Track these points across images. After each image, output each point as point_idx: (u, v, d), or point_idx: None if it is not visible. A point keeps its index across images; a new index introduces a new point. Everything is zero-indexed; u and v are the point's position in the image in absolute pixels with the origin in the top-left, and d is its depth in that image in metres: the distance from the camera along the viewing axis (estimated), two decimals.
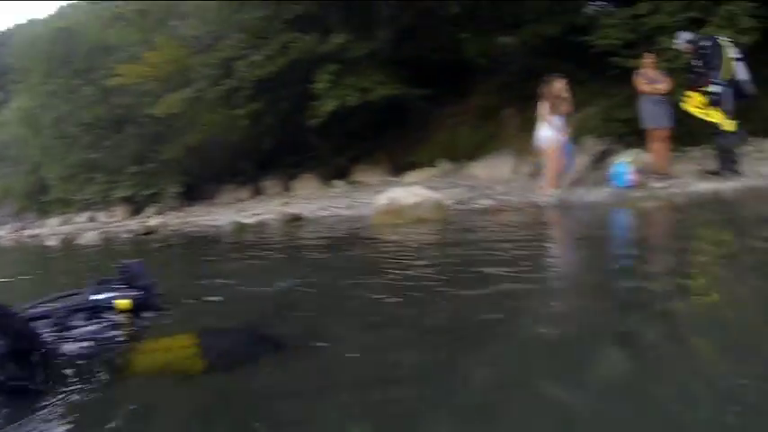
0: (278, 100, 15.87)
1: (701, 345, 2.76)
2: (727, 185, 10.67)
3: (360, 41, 15.56)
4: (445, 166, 15.70)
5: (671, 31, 12.56)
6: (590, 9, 17.31)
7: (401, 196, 10.30)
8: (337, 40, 14.81)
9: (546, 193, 11.55)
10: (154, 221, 15.78)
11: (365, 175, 16.22)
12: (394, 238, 8.74)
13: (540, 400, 2.20)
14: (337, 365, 2.82)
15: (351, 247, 8.51)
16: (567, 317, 3.48)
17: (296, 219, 12.54)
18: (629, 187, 11.41)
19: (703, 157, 12.48)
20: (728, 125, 10.95)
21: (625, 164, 11.73)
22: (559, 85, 11.74)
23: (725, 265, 5.10)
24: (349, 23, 16.64)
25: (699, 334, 2.93)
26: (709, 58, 11.15)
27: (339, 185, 15.86)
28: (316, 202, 13.79)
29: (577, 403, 2.13)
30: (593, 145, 14.51)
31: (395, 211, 10.19)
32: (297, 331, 3.49)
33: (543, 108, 11.65)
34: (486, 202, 11.50)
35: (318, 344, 3.09)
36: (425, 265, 5.83)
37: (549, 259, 5.92)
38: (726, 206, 9.24)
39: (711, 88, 10.97)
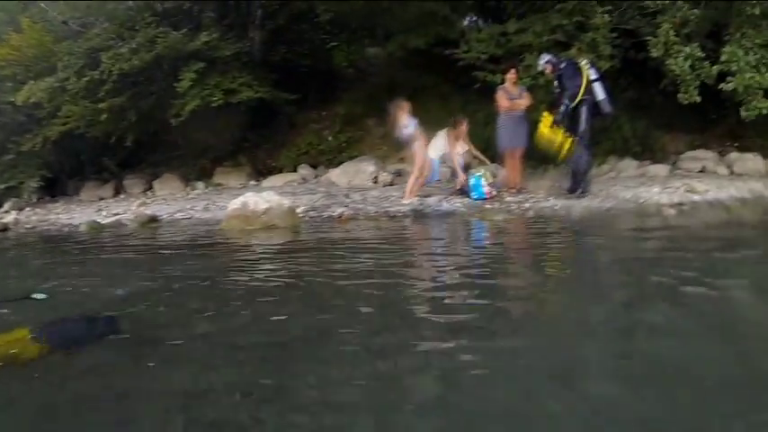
0: (142, 96, 15.60)
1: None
2: (578, 204, 11.30)
3: (229, 41, 15.49)
4: (306, 171, 15.87)
5: (536, 50, 13.29)
6: (463, 24, 17.74)
7: (252, 201, 10.44)
8: (205, 38, 14.63)
9: (403, 201, 11.93)
10: (9, 217, 15.28)
11: (227, 177, 16.21)
12: (234, 244, 9.03)
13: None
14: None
15: (192, 252, 8.65)
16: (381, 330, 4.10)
17: (152, 220, 12.50)
18: (485, 199, 11.98)
19: (562, 174, 13.06)
20: (565, 147, 11.53)
21: (479, 177, 12.23)
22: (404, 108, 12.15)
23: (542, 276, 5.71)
24: (222, 22, 16.62)
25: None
26: (564, 80, 11.67)
27: (200, 187, 15.78)
28: (174, 204, 13.78)
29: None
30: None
31: (245, 216, 10.35)
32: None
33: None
34: (340, 210, 11.70)
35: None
36: (250, 276, 6.13)
37: (357, 269, 6.36)
38: (567, 224, 9.97)
39: (561, 109, 11.49)
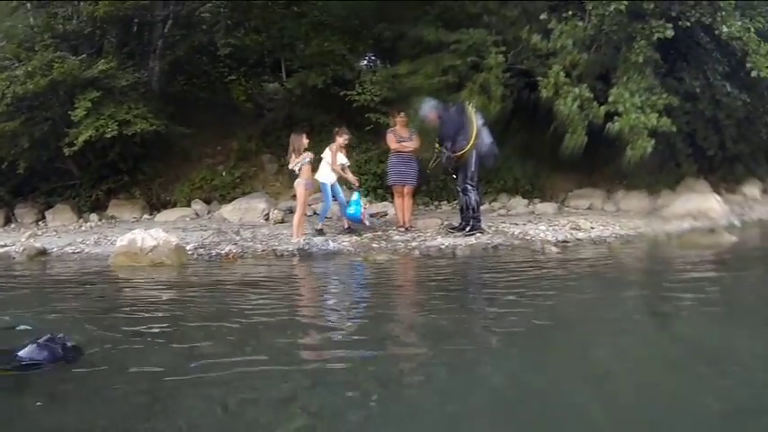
0: (37, 122, 14.92)
1: None
2: (464, 241, 11.40)
3: (128, 70, 15.08)
4: (199, 206, 15.59)
5: (426, 92, 13.24)
6: (361, 64, 17.84)
7: (139, 239, 10.18)
8: (102, 66, 14.15)
9: (291, 240, 11.77)
10: None
11: (121, 210, 15.72)
12: (114, 281, 8.78)
13: None
14: None
15: (69, 288, 8.32)
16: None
17: (41, 254, 11.99)
18: (360, 222, 12.24)
19: (451, 211, 13.15)
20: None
21: (359, 199, 12.43)
22: (304, 139, 12.00)
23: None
24: (123, 49, 16.21)
25: None
26: (447, 126, 11.93)
27: (93, 219, 15.25)
28: (66, 237, 13.25)
29: None
30: (345, 196, 14.88)
31: (133, 253, 10.11)
32: None
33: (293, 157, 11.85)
34: (228, 248, 11.49)
35: None
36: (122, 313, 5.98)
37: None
38: (450, 265, 10.02)
39: (443, 158, 11.71)
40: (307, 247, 11.44)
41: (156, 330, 5.66)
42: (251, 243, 11.96)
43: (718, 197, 14.30)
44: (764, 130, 15.55)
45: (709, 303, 6.40)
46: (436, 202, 15.68)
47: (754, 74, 12.51)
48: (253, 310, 6.50)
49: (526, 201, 15.38)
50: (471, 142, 11.51)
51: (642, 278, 8.35)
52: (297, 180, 12.00)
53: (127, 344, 5.23)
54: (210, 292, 7.85)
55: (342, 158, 12.40)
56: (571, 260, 9.68)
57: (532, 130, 15.19)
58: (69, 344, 4.69)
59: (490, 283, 8.01)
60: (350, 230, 12.27)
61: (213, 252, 11.47)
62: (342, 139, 12.39)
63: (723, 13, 12.68)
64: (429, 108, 12.23)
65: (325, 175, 12.19)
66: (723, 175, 16.55)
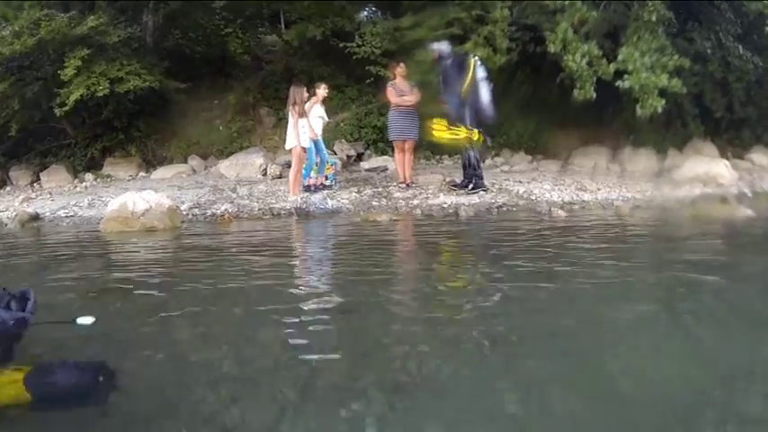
0: (27, 82, 14.36)
1: None
2: (468, 200, 10.92)
3: (119, 26, 14.42)
4: (196, 162, 15.11)
5: (429, 42, 12.68)
6: (362, 16, 17.26)
7: (131, 202, 9.63)
8: (92, 22, 13.45)
9: (288, 198, 11.25)
10: None
11: (116, 168, 15.20)
12: (102, 251, 8.25)
13: None
14: None
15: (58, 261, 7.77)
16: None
17: (33, 219, 11.45)
18: (310, 186, 11.89)
19: (453, 166, 12.66)
20: (475, 136, 11.16)
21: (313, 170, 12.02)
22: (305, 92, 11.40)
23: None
24: (116, 4, 15.53)
25: None
26: (446, 75, 11.35)
27: (89, 179, 14.73)
28: (60, 199, 12.73)
29: None
30: (345, 148, 14.46)
31: (124, 218, 9.56)
32: None
33: (293, 113, 11.25)
34: (225, 208, 10.98)
35: None
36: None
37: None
38: (455, 225, 9.59)
39: (449, 108, 11.16)
40: (304, 205, 10.92)
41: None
42: (247, 201, 11.48)
43: (727, 162, 13.78)
44: None
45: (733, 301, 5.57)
46: (437, 156, 15.18)
47: None
48: (251, 279, 6.07)
49: (530, 157, 14.90)
50: (464, 93, 11.02)
51: (660, 255, 7.48)
52: (289, 138, 11.50)
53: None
54: (205, 259, 7.31)
55: (319, 110, 11.91)
56: (580, 226, 8.98)
57: (537, 83, 14.71)
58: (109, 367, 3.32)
59: (497, 254, 7.40)
60: (308, 189, 11.88)
61: (208, 212, 10.93)
62: (321, 91, 11.92)
63: None
64: (435, 46, 11.76)
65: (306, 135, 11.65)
66: (730, 138, 16.13)
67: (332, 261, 7.56)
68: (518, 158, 14.80)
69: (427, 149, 14.51)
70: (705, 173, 13.05)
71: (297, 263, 7.34)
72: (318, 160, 12.02)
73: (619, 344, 4.15)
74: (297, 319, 4.69)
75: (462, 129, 11.25)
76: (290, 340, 4.31)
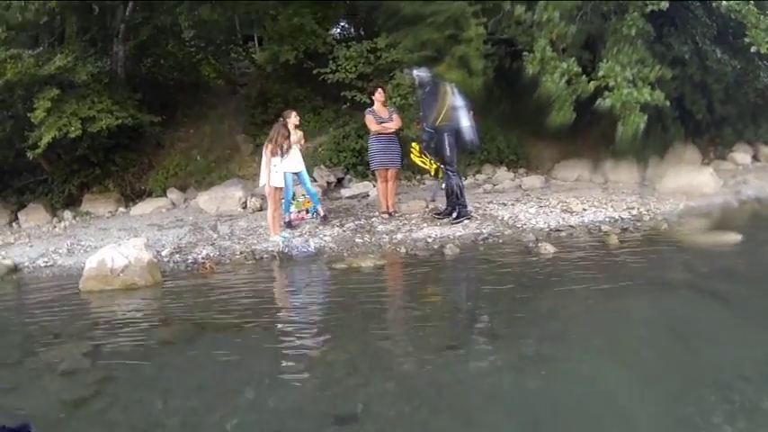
0: None
1: None
2: (452, 232, 10.60)
3: (89, 60, 13.86)
4: (175, 195, 14.70)
5: (406, 66, 12.81)
6: (333, 34, 16.94)
7: (109, 258, 9.17)
8: (60, 61, 12.92)
9: (270, 238, 10.89)
10: None
11: (95, 204, 14.71)
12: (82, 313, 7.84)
13: None
14: None
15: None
16: None
17: (12, 271, 10.91)
18: (291, 222, 11.57)
19: (435, 188, 12.34)
20: (433, 171, 11.18)
21: (291, 205, 11.72)
22: (284, 131, 10.94)
23: None
24: (84, 36, 15.01)
25: None
26: (424, 103, 11.15)
27: (68, 218, 14.25)
28: (38, 244, 12.20)
29: None
30: (325, 174, 14.10)
31: (103, 276, 9.11)
32: None
33: (266, 151, 10.81)
34: (206, 253, 10.58)
35: None
36: None
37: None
38: (440, 269, 9.22)
39: (423, 136, 10.94)
40: (286, 249, 10.49)
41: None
42: (229, 243, 11.07)
43: (711, 170, 13.46)
44: (752, 92, 14.93)
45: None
46: (418, 176, 14.82)
47: (753, 49, 11.68)
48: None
49: (512, 174, 14.59)
50: (438, 122, 10.69)
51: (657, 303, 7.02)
52: (261, 178, 11.05)
53: None
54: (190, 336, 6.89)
55: (296, 137, 11.46)
56: (569, 265, 8.56)
57: (514, 98, 14.35)
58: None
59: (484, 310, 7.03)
60: (325, 218, 11.61)
61: (189, 258, 10.50)
62: (292, 120, 11.42)
63: None
64: (415, 73, 11.45)
65: (290, 164, 11.27)
66: (711, 137, 15.91)
67: (319, 323, 7.12)
68: (501, 175, 14.45)
69: (407, 170, 14.11)
70: (688, 183, 12.77)
71: (278, 326, 6.95)
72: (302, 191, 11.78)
73: None
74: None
75: (428, 160, 11.06)
76: None
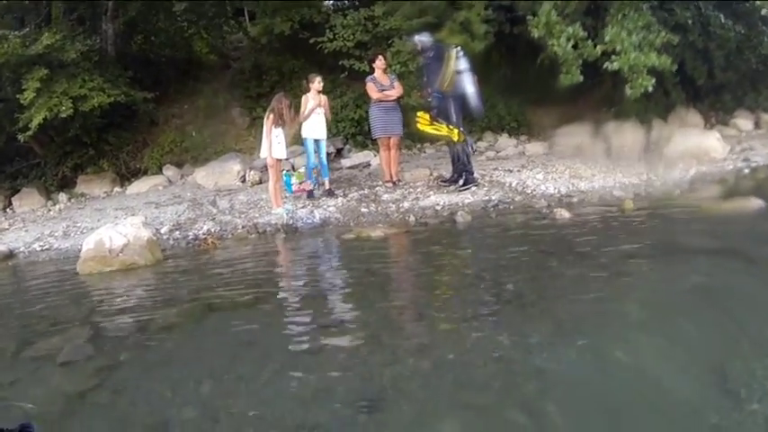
0: None
1: None
2: (460, 199, 10.11)
3: (78, 38, 13.32)
4: (172, 172, 14.21)
5: (405, 34, 12.34)
6: (327, 4, 16.41)
7: (107, 238, 8.63)
8: (47, 40, 12.36)
9: (272, 211, 10.39)
10: None
11: (90, 185, 14.20)
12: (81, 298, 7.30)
13: None
14: None
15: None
16: None
17: (8, 257, 10.37)
18: (294, 193, 11.23)
19: (436, 155, 11.89)
20: (455, 135, 10.33)
21: (291, 177, 11.35)
22: (286, 101, 10.37)
23: None
24: (72, 15, 14.45)
25: None
26: (428, 69, 10.64)
27: (62, 200, 13.72)
28: (33, 228, 11.66)
29: None
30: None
31: (102, 257, 8.56)
32: None
33: (267, 122, 10.26)
34: (207, 228, 10.06)
35: None
36: None
37: None
38: (454, 236, 8.67)
39: (429, 99, 10.43)
40: (291, 221, 9.99)
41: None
42: (230, 217, 10.57)
43: (717, 135, 13.00)
44: (753, 58, 14.67)
45: None
46: (419, 145, 14.37)
47: (764, 12, 11.30)
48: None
49: (514, 140, 14.14)
50: (444, 87, 10.23)
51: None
52: (262, 150, 10.49)
53: None
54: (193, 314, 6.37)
55: (317, 101, 11.03)
56: (589, 230, 8.03)
57: (514, 64, 13.92)
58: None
59: (508, 278, 6.52)
60: (330, 192, 11.15)
61: (190, 234, 9.98)
62: (316, 85, 11.03)
63: None
64: (417, 38, 10.99)
65: (309, 129, 10.91)
66: (711, 103, 15.63)
67: (334, 295, 6.56)
68: (503, 142, 14.05)
69: (408, 138, 13.63)
70: (696, 146, 12.36)
71: (291, 301, 6.45)
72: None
73: None
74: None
75: (443, 126, 10.45)
76: None
